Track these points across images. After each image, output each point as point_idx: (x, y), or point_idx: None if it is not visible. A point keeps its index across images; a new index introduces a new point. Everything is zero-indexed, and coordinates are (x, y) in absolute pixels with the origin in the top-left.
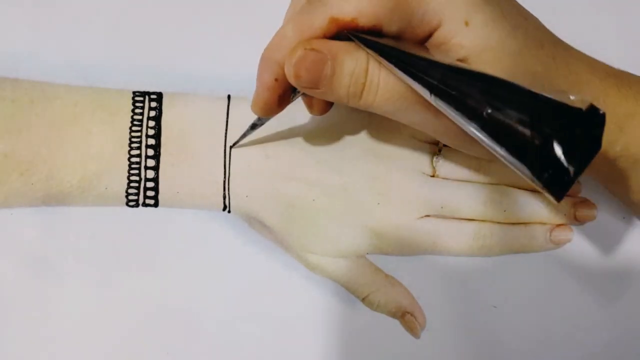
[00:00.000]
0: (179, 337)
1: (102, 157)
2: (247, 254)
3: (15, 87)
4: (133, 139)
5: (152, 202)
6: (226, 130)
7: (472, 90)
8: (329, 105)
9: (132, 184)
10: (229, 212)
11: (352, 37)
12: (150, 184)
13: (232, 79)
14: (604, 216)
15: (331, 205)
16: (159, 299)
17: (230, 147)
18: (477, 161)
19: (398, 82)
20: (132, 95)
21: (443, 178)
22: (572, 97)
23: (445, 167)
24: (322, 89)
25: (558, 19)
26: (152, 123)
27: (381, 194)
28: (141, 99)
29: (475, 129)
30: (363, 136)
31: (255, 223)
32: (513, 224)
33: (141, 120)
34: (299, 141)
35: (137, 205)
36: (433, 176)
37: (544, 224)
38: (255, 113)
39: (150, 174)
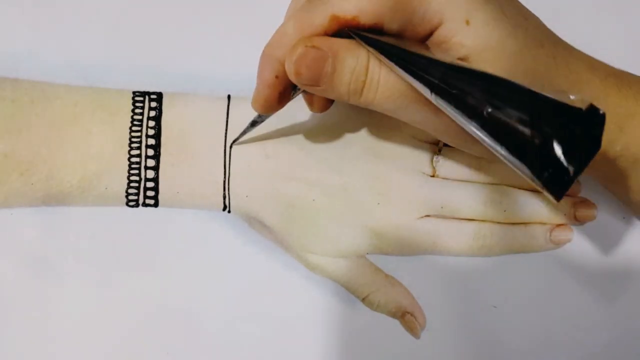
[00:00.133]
0: (179, 337)
1: (102, 157)
2: (247, 254)
3: (15, 87)
4: (133, 139)
5: (152, 202)
6: (226, 130)
7: (473, 89)
8: (329, 102)
9: (132, 184)
10: (229, 212)
11: (353, 35)
12: (150, 184)
13: (232, 79)
14: (604, 216)
15: (331, 205)
16: (159, 299)
17: (231, 144)
18: (477, 161)
19: (398, 80)
20: (132, 95)
21: (443, 178)
22: (572, 97)
23: (445, 167)
24: (323, 86)
25: (558, 18)
26: (152, 123)
27: (381, 194)
28: (141, 99)
29: (476, 128)
30: (363, 136)
31: (255, 223)
32: (513, 224)
33: (141, 120)
34: (299, 141)
35: (137, 205)
36: (433, 176)
37: (544, 224)
38: (256, 110)
39: (150, 174)
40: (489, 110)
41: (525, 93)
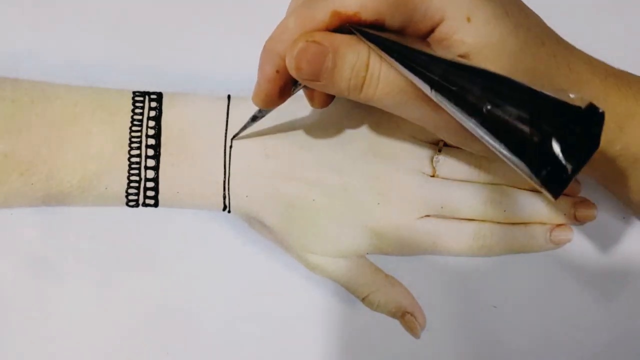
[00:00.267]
0: (179, 337)
1: (102, 157)
2: (247, 254)
3: (15, 87)
4: (133, 139)
5: (152, 202)
6: (226, 130)
7: (473, 86)
8: (330, 98)
9: (132, 184)
10: (229, 212)
11: (354, 31)
12: (150, 184)
13: (232, 79)
14: (604, 216)
15: (331, 205)
16: (159, 299)
17: (232, 138)
18: (478, 161)
19: (398, 76)
20: (132, 95)
21: (443, 178)
22: (571, 96)
23: (445, 167)
24: (323, 81)
25: (559, 18)
26: (152, 123)
27: (381, 194)
28: (141, 99)
29: (475, 125)
30: (363, 136)
31: (255, 223)
32: (513, 224)
33: (141, 120)
34: (299, 141)
35: (137, 205)
36: (433, 176)
37: (544, 224)
38: (257, 104)
39: (150, 174)
40: (489, 107)
41: (525, 91)
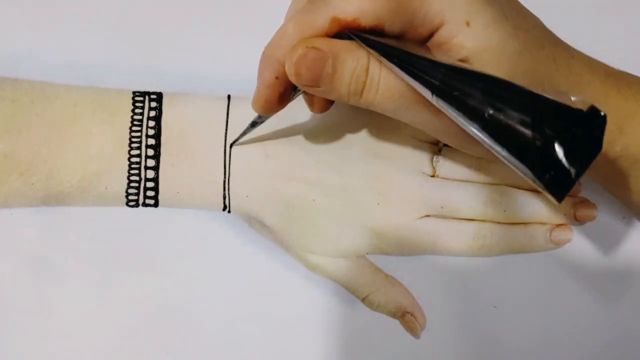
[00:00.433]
0: (179, 337)
1: (102, 157)
2: (247, 254)
3: (15, 87)
4: (133, 139)
5: (152, 202)
6: (226, 130)
7: (474, 90)
8: (329, 103)
9: (132, 184)
10: (229, 212)
11: (353, 36)
12: (150, 184)
13: (232, 79)
14: (604, 216)
15: (331, 205)
16: (159, 299)
17: (231, 145)
18: (477, 161)
19: (398, 81)
20: (132, 95)
21: (443, 178)
22: (573, 99)
23: (445, 167)
24: (323, 87)
25: (558, 18)
26: (152, 123)
27: (381, 194)
28: (141, 99)
29: (477, 130)
30: (363, 136)
31: (255, 223)
32: (513, 224)
33: (141, 120)
34: (299, 141)
35: (137, 205)
36: (433, 176)
37: (544, 224)
38: (256, 111)
39: (150, 174)
40: (490, 112)
41: (526, 95)
